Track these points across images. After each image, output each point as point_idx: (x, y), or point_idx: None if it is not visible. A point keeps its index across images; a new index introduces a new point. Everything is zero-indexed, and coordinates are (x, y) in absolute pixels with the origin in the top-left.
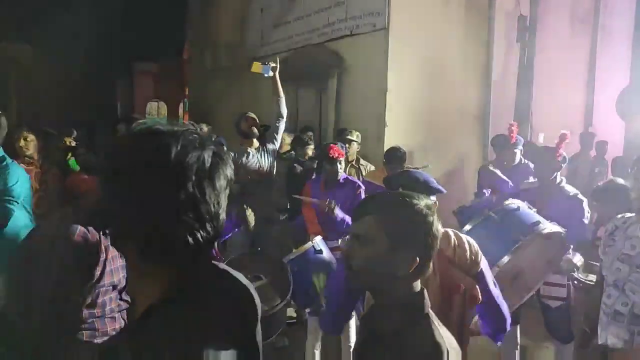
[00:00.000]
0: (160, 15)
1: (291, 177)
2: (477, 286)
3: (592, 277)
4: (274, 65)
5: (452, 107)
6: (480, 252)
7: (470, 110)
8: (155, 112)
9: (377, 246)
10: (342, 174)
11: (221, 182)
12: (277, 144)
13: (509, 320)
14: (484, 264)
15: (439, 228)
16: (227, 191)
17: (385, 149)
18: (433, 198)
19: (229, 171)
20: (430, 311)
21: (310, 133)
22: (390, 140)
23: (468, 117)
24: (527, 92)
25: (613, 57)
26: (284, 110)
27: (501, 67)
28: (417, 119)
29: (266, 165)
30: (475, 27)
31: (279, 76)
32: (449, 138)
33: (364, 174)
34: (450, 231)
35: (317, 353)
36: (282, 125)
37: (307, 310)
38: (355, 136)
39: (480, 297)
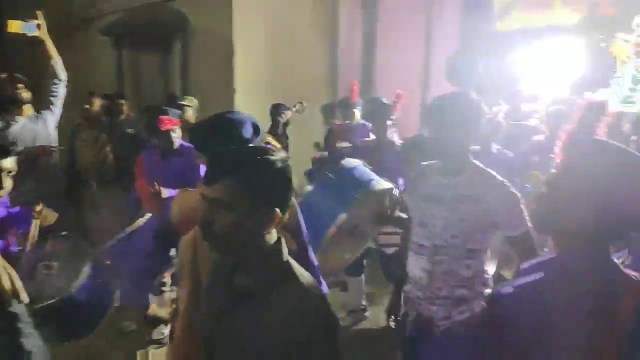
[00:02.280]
0: None
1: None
2: (292, 240)
3: None
4: (39, 22)
5: (301, 72)
6: (297, 206)
7: (319, 74)
8: None
9: (241, 209)
10: (178, 142)
11: None
12: (57, 110)
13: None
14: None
15: (292, 179)
16: None
17: None
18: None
19: None
20: (289, 257)
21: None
22: (240, 107)
23: (317, 81)
24: (371, 56)
25: (446, 22)
26: (62, 73)
27: (347, 31)
28: (266, 84)
29: (44, 134)
30: None
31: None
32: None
33: None
34: None
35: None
36: (60, 89)
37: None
38: (188, 101)
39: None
